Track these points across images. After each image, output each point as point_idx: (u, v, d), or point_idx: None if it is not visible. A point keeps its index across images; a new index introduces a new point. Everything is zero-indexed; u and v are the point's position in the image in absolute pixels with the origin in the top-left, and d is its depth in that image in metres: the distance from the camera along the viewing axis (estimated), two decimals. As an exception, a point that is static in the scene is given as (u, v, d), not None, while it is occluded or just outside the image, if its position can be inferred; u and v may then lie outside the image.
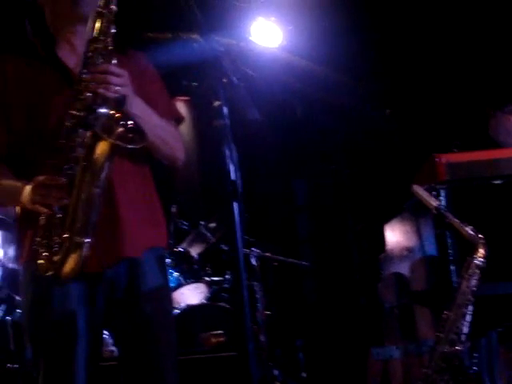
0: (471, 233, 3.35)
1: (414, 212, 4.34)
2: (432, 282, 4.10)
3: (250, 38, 6.77)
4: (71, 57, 2.77)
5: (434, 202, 3.47)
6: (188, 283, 5.78)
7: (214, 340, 5.06)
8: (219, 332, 5.10)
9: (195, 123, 7.25)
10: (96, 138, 2.42)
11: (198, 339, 5.11)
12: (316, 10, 6.39)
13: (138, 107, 2.63)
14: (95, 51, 2.56)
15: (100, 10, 2.56)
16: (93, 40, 2.57)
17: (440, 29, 6.40)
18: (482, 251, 3.34)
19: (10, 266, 5.13)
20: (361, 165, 7.70)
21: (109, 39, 2.57)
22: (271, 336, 5.49)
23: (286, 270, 6.91)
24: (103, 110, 2.49)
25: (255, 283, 5.46)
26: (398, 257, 4.70)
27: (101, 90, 2.50)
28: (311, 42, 6.80)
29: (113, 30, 2.58)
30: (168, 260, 5.61)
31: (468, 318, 3.32)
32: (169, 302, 2.99)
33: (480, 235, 3.35)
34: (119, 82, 2.53)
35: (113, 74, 2.53)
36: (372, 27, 6.63)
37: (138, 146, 2.48)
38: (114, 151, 2.45)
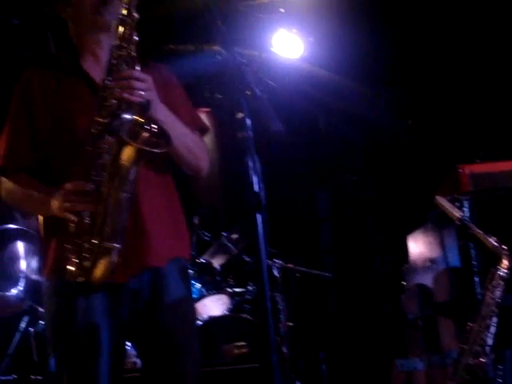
0: (495, 244, 3.33)
1: (437, 223, 4.33)
2: (456, 293, 4.09)
3: (272, 50, 6.79)
4: (95, 67, 2.80)
5: (457, 213, 3.45)
6: (210, 294, 5.77)
7: (236, 351, 5.05)
8: (242, 343, 5.08)
9: (217, 134, 7.25)
10: (121, 144, 2.43)
11: (221, 351, 5.10)
12: (336, 21, 6.40)
13: (162, 112, 2.64)
14: (119, 58, 2.58)
15: (123, 17, 2.58)
16: (116, 47, 2.59)
17: (463, 40, 6.37)
18: (505, 262, 3.32)
19: (33, 277, 5.15)
20: (383, 176, 7.68)
21: (132, 46, 2.59)
22: (294, 348, 5.47)
23: (308, 282, 6.89)
24: (128, 116, 2.50)
25: (277, 294, 5.44)
26: (422, 268, 4.68)
27: (125, 95, 2.52)
28: (332, 53, 6.80)
29: (136, 38, 2.60)
30: (190, 271, 5.61)
31: (492, 329, 3.29)
32: (192, 313, 2.99)
33: (504, 246, 3.33)
34: (143, 87, 2.55)
35: (137, 79, 2.54)
36: (393, 37, 6.61)
37: (163, 151, 2.49)
38: (140, 156, 2.46)
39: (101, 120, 2.55)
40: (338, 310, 8.09)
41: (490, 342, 3.29)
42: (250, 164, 2.10)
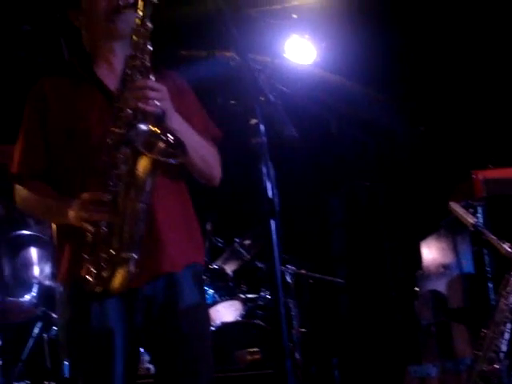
0: (509, 250, 3.32)
1: (450, 229, 4.32)
2: (469, 299, 4.07)
3: (284, 55, 6.79)
4: (109, 74, 2.80)
5: (470, 219, 3.44)
6: (223, 300, 5.77)
7: (249, 357, 5.04)
8: (255, 349, 5.08)
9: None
10: (137, 155, 2.44)
11: (234, 357, 5.10)
12: (349, 27, 6.40)
13: (177, 122, 2.65)
14: (133, 68, 2.59)
15: (136, 27, 2.59)
16: (130, 57, 2.60)
17: (476, 48, 6.36)
18: (520, 268, 3.31)
19: (47, 283, 5.17)
20: (396, 181, 7.67)
21: (146, 56, 2.60)
22: (306, 354, 5.46)
23: (321, 288, 6.89)
24: (143, 126, 2.50)
25: (290, 300, 5.44)
26: (435, 274, 4.67)
27: (140, 105, 2.52)
28: (344, 59, 6.80)
29: (149, 47, 2.60)
30: (203, 277, 5.61)
31: (506, 335, 3.28)
32: (206, 319, 2.98)
33: (518, 252, 3.32)
34: (158, 97, 2.55)
35: (151, 88, 2.55)
36: (406, 43, 6.61)
37: (179, 161, 2.49)
38: (155, 166, 2.47)
39: (117, 130, 2.55)
40: (351, 315, 8.07)
41: (504, 348, 3.28)
42: (264, 170, 2.10)
